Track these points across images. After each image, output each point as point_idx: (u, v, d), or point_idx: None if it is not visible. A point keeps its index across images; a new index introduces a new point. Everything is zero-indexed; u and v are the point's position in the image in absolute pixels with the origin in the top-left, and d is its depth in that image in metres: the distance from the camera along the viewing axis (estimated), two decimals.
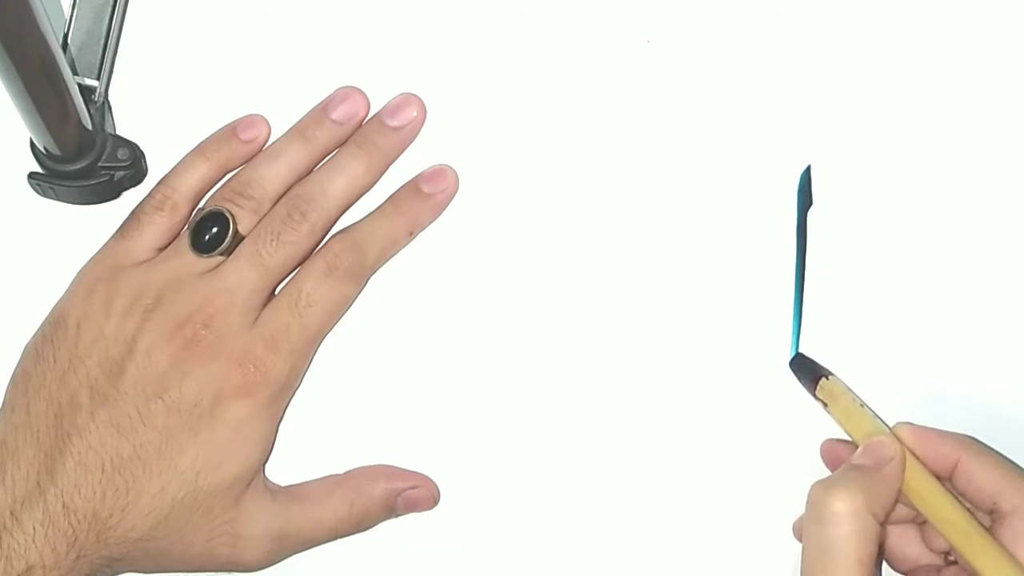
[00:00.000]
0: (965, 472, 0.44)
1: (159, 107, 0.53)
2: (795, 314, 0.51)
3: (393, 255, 0.51)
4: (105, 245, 0.50)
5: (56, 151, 0.49)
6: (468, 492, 0.50)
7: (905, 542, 0.47)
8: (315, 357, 0.50)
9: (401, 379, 0.51)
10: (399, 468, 0.50)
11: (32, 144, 0.50)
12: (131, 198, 0.51)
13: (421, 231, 0.51)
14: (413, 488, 0.50)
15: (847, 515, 0.42)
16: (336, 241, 0.50)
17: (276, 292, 0.49)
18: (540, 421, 0.50)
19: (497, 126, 0.53)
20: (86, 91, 0.50)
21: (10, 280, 0.51)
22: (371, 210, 0.51)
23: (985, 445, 0.45)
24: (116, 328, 0.47)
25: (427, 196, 0.51)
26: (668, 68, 0.54)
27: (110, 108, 0.52)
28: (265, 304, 0.49)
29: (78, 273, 0.50)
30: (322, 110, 0.52)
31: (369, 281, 0.51)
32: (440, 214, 0.52)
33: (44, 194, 0.51)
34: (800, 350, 0.50)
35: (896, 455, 0.45)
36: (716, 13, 0.54)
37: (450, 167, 0.52)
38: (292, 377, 0.48)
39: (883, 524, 0.43)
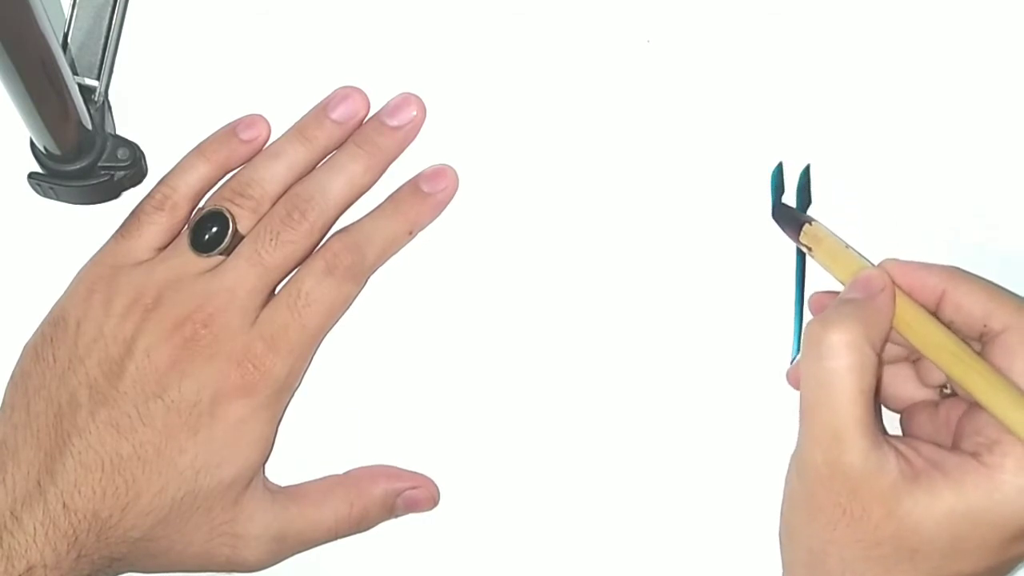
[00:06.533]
0: (953, 300, 0.44)
1: (159, 107, 0.53)
2: (796, 315, 0.51)
3: (393, 255, 0.51)
4: (105, 245, 0.50)
5: (56, 151, 0.49)
6: (468, 492, 0.50)
7: (900, 380, 0.47)
8: (315, 357, 0.50)
9: (401, 379, 0.51)
10: (399, 468, 0.50)
11: (32, 144, 0.50)
12: (131, 198, 0.51)
13: (421, 231, 0.51)
14: (413, 488, 0.50)
15: (845, 346, 0.42)
16: (336, 240, 0.50)
17: (276, 292, 0.49)
18: (540, 421, 0.50)
19: (497, 126, 0.53)
20: (86, 91, 0.51)
21: (10, 280, 0.51)
22: (371, 210, 0.51)
23: (970, 272, 0.45)
24: (116, 328, 0.47)
25: (427, 196, 0.51)
26: (668, 68, 0.54)
27: (110, 108, 0.52)
28: (265, 304, 0.49)
29: (78, 273, 0.50)
30: (322, 110, 0.52)
31: (369, 281, 0.51)
32: (440, 214, 0.52)
33: (44, 194, 0.51)
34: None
35: (886, 285, 0.45)
36: (716, 13, 0.54)
37: (450, 167, 0.52)
38: (291, 377, 0.48)
39: (879, 355, 0.43)
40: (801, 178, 0.52)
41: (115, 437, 0.46)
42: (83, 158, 0.50)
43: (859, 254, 0.47)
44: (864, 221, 0.52)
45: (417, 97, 0.52)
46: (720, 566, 0.50)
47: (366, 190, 0.51)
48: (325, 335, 0.50)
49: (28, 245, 0.52)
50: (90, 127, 0.50)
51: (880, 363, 0.43)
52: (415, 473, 0.50)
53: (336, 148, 0.52)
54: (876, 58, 0.54)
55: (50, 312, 0.49)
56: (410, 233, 0.51)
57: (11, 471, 0.45)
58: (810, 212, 0.52)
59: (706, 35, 0.54)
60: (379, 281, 0.51)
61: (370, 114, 0.52)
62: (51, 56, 0.44)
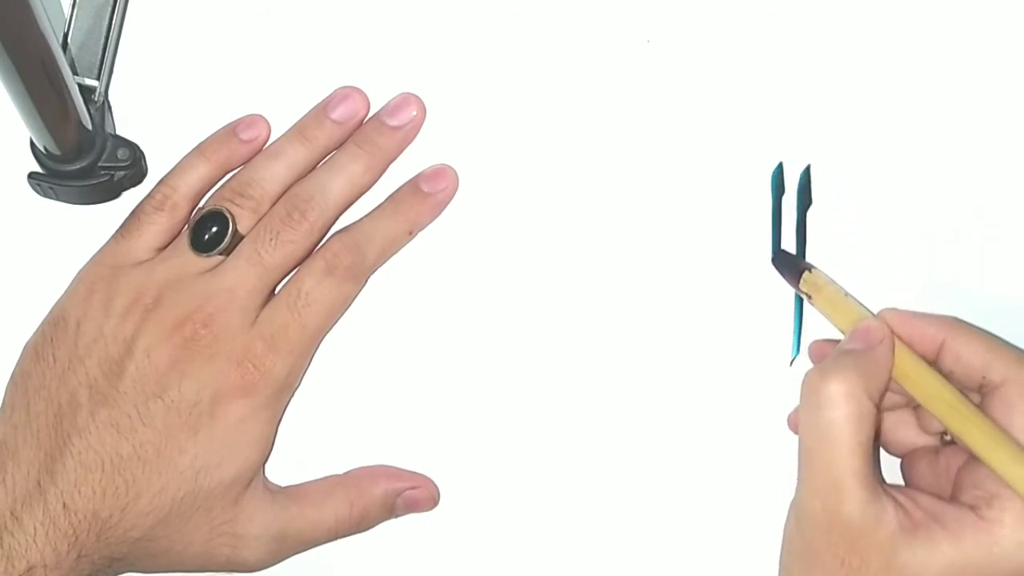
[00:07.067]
0: (952, 350, 0.44)
1: (159, 107, 0.53)
2: (796, 314, 0.51)
3: (393, 255, 0.51)
4: (105, 245, 0.50)
5: (56, 151, 0.49)
6: (468, 492, 0.50)
7: (901, 426, 0.47)
8: (315, 357, 0.50)
9: (401, 379, 0.51)
10: (399, 468, 0.50)
11: (32, 144, 0.50)
12: (131, 198, 0.51)
13: (421, 231, 0.51)
14: (413, 488, 0.50)
15: (843, 397, 0.42)
16: (336, 240, 0.50)
17: (276, 292, 0.49)
18: (539, 421, 0.50)
19: (497, 126, 0.53)
20: (86, 91, 0.51)
21: (10, 280, 0.51)
22: (371, 210, 0.51)
23: (969, 323, 0.45)
24: (115, 328, 0.47)
25: (427, 196, 0.51)
26: (668, 68, 0.54)
27: (110, 108, 0.52)
28: (265, 304, 0.49)
29: (78, 273, 0.50)
30: (322, 110, 0.52)
31: (369, 281, 0.51)
32: (440, 214, 0.52)
33: (44, 194, 0.51)
34: (800, 352, 0.50)
35: (885, 336, 0.45)
36: (716, 13, 0.54)
37: (450, 167, 0.52)
38: (291, 377, 0.48)
39: (878, 406, 0.43)
40: (801, 178, 0.52)
41: (115, 437, 0.46)
42: (83, 158, 0.50)
43: (858, 303, 0.47)
44: (864, 221, 0.52)
45: (417, 97, 0.52)
46: (720, 566, 0.50)
47: (366, 190, 0.51)
48: (325, 335, 0.50)
49: (28, 245, 0.52)
50: (90, 127, 0.50)
51: (879, 414, 0.43)
52: (415, 473, 0.50)
53: (336, 148, 0.52)
54: (876, 58, 0.54)
55: (50, 312, 0.49)
56: (410, 233, 0.51)
57: (11, 471, 0.45)
58: (810, 212, 0.52)
59: (706, 35, 0.54)
60: (379, 281, 0.51)
61: (370, 114, 0.52)
62: (51, 56, 0.44)
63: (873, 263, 0.52)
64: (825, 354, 0.48)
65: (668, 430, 0.50)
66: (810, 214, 0.52)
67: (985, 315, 0.51)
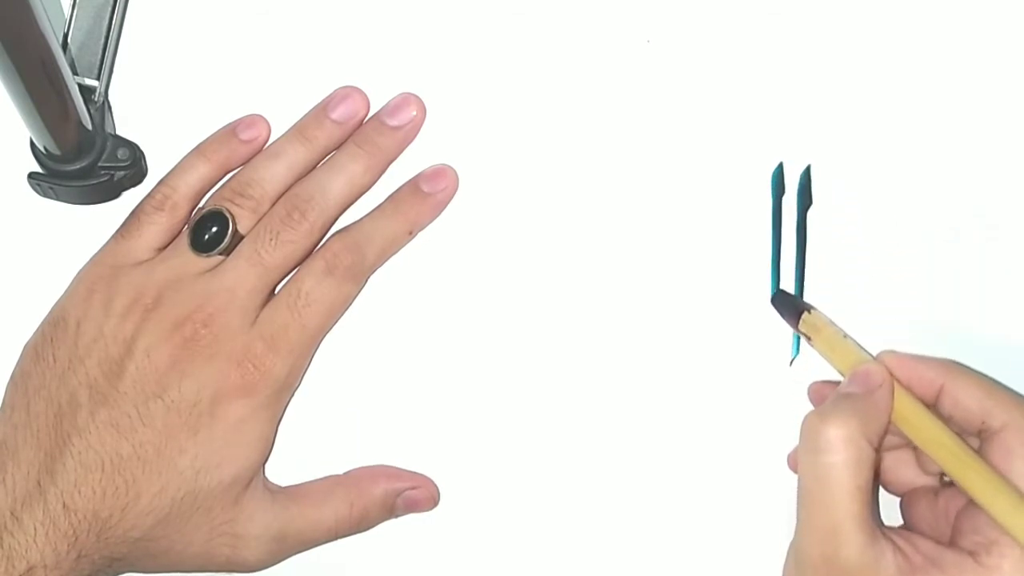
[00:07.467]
0: (951, 395, 0.44)
1: (159, 107, 0.53)
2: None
3: (393, 255, 0.51)
4: (105, 245, 0.50)
5: (56, 151, 0.49)
6: (468, 492, 0.50)
7: (900, 465, 0.47)
8: (315, 357, 0.50)
9: (401, 379, 0.51)
10: (399, 468, 0.50)
11: (32, 144, 0.50)
12: (131, 198, 0.51)
13: (421, 231, 0.51)
14: (413, 488, 0.50)
15: (842, 442, 0.42)
16: (336, 240, 0.50)
17: (276, 292, 0.49)
18: (539, 421, 0.50)
19: (497, 126, 0.53)
20: (86, 91, 0.50)
21: (10, 280, 0.51)
22: (371, 210, 0.51)
23: (969, 367, 0.45)
24: (115, 328, 0.47)
25: (427, 196, 0.51)
26: (668, 68, 0.54)
27: (110, 108, 0.52)
28: (265, 304, 0.49)
29: (78, 273, 0.50)
30: (322, 110, 0.52)
31: (369, 281, 0.51)
32: (440, 214, 0.52)
33: (44, 194, 0.51)
34: (800, 353, 0.50)
35: (885, 380, 0.44)
36: (716, 13, 0.54)
37: (450, 167, 0.52)
38: (291, 377, 0.48)
39: (877, 450, 0.43)
40: (802, 179, 0.52)
41: (115, 437, 0.46)
42: (83, 158, 0.50)
43: (857, 344, 0.47)
44: (864, 221, 0.52)
45: (417, 97, 0.52)
46: (720, 566, 0.50)
47: (366, 190, 0.51)
48: (325, 335, 0.50)
49: (28, 245, 0.52)
50: (90, 127, 0.50)
51: (878, 457, 0.43)
52: (415, 473, 0.50)
53: (336, 148, 0.52)
54: (876, 58, 0.54)
55: (50, 312, 0.49)
56: (410, 233, 0.51)
57: (11, 471, 0.45)
58: (810, 212, 0.52)
59: (706, 35, 0.54)
60: (379, 281, 0.51)
61: (370, 114, 0.52)
62: (51, 56, 0.44)
63: (873, 263, 0.52)
64: (824, 396, 0.47)
65: (667, 430, 0.50)
66: (810, 214, 0.52)
67: (984, 317, 0.51)
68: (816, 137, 0.53)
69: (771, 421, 0.50)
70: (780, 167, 0.52)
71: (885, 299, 0.51)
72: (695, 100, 0.53)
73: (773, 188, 0.52)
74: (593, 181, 0.52)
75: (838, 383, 0.47)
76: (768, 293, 0.51)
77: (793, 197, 0.52)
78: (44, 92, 0.45)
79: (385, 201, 0.51)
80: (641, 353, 0.51)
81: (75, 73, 0.51)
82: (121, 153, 0.51)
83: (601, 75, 0.53)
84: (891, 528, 0.44)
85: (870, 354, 0.47)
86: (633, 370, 0.51)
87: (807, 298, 0.51)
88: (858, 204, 0.52)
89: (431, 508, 0.50)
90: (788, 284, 0.51)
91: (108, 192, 0.52)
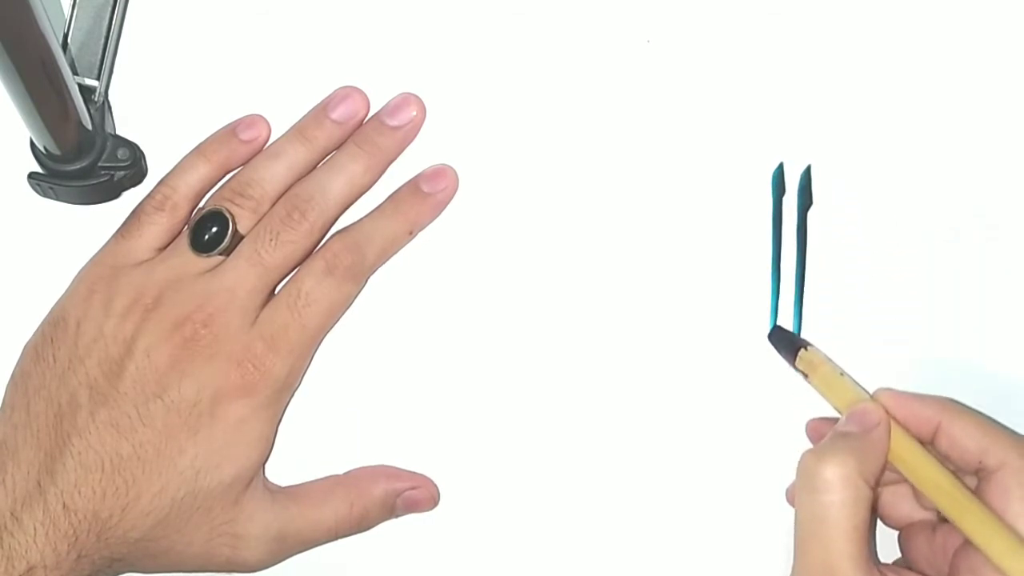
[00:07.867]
0: (948, 434, 0.44)
1: (159, 107, 0.53)
2: (795, 315, 0.51)
3: (393, 255, 0.51)
4: (105, 245, 0.50)
5: (56, 151, 0.49)
6: (468, 492, 0.50)
7: (898, 500, 0.47)
8: (315, 357, 0.50)
9: (401, 379, 0.51)
10: (399, 468, 0.50)
11: (32, 144, 0.50)
12: (131, 198, 0.51)
13: (421, 231, 0.51)
14: (413, 488, 0.50)
15: (839, 482, 0.42)
16: (336, 240, 0.50)
17: (276, 292, 0.49)
18: (539, 421, 0.50)
19: (497, 126, 0.53)
20: (86, 91, 0.50)
21: (10, 280, 0.51)
22: (371, 210, 0.51)
23: (965, 405, 0.45)
24: (115, 328, 0.47)
25: (427, 196, 0.51)
26: (668, 68, 0.54)
27: (110, 108, 0.52)
28: (265, 304, 0.49)
29: (78, 273, 0.50)
30: (322, 110, 0.52)
31: (369, 281, 0.51)
32: (440, 214, 0.52)
33: (44, 194, 0.51)
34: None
35: (882, 420, 0.45)
36: (716, 13, 0.54)
37: (450, 167, 0.52)
38: (291, 377, 0.48)
39: (874, 489, 0.43)
40: (802, 179, 0.52)
41: (115, 437, 0.46)
42: (83, 158, 0.50)
43: (854, 382, 0.47)
44: (864, 221, 0.52)
45: (417, 97, 0.52)
46: (720, 566, 0.50)
47: (366, 190, 0.51)
48: (325, 335, 0.50)
49: (28, 245, 0.52)
50: (90, 127, 0.50)
51: (875, 496, 0.43)
52: (415, 473, 0.50)
53: (336, 148, 0.52)
54: (876, 58, 0.54)
55: (50, 312, 0.49)
56: (410, 233, 0.51)
57: (11, 471, 0.45)
58: (810, 212, 0.52)
59: (706, 35, 0.54)
60: (379, 281, 0.51)
61: (370, 114, 0.52)
62: (51, 56, 0.44)
63: (873, 263, 0.52)
64: (822, 433, 0.47)
65: (666, 429, 0.50)
66: (810, 214, 0.52)
67: (984, 318, 0.51)
68: (816, 137, 0.53)
69: (770, 421, 0.50)
70: (780, 167, 0.52)
71: (885, 299, 0.51)
72: (695, 100, 0.53)
73: (773, 188, 0.52)
74: (593, 181, 0.52)
75: (835, 420, 0.47)
76: (768, 293, 0.51)
77: (793, 197, 0.52)
78: (44, 92, 0.45)
79: (385, 201, 0.51)
80: (639, 353, 0.51)
81: (75, 73, 0.51)
82: (121, 153, 0.51)
83: (601, 75, 0.53)
84: (887, 565, 0.44)
85: (867, 391, 0.47)
86: (631, 370, 0.51)
87: (807, 298, 0.51)
88: (858, 204, 0.52)
89: (431, 508, 0.50)
90: (788, 284, 0.51)
91: (108, 192, 0.52)
